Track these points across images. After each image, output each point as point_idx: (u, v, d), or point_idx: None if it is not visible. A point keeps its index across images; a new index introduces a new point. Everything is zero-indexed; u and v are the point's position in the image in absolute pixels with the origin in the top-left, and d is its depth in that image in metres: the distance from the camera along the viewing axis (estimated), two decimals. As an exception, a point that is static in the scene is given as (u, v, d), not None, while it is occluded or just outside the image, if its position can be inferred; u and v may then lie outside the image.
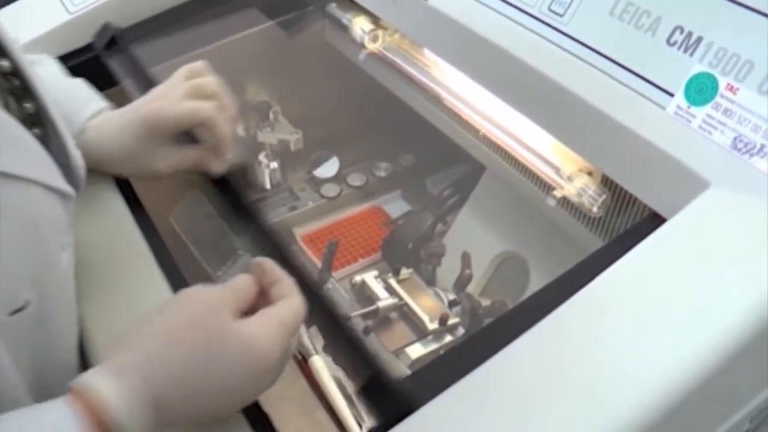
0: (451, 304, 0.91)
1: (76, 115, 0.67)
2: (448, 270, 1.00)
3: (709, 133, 0.56)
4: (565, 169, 0.73)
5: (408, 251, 1.06)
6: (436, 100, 0.88)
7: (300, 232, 1.23)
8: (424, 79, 0.88)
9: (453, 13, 0.76)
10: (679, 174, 0.57)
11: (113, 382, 0.41)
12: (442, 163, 1.29)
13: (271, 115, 1.22)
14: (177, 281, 0.63)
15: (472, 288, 1.02)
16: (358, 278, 0.89)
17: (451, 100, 0.84)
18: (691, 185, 0.56)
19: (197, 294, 0.49)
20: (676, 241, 0.55)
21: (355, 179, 1.29)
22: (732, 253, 0.53)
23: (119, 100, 0.73)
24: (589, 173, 0.72)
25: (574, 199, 0.72)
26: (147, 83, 0.71)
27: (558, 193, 0.72)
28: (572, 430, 0.44)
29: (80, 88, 0.74)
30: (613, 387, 0.47)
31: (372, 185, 1.29)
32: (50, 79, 0.70)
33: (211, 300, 0.48)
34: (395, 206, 1.29)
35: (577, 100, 0.64)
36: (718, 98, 0.56)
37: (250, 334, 0.47)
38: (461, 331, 0.86)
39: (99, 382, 0.41)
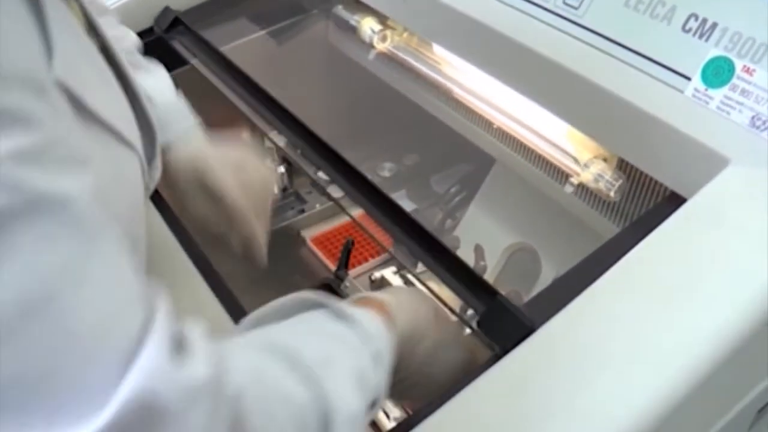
0: (467, 295, 0.92)
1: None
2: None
3: (727, 113, 0.59)
4: (580, 156, 0.76)
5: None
6: (446, 95, 0.90)
7: (309, 234, 1.24)
8: (435, 76, 0.91)
9: (466, 10, 0.79)
10: (699, 153, 0.59)
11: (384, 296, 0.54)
12: (446, 162, 1.31)
13: (277, 119, 1.24)
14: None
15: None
16: (377, 274, 0.91)
17: (463, 94, 0.86)
18: (712, 163, 0.58)
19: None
20: (700, 219, 0.57)
21: (361, 180, 1.30)
22: (755, 228, 0.55)
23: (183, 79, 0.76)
24: (605, 159, 0.75)
25: (591, 185, 0.74)
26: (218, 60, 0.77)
27: (575, 180, 0.74)
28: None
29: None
30: (649, 360, 0.50)
31: (377, 186, 1.31)
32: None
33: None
34: (401, 205, 1.30)
35: (594, 88, 0.66)
36: (734, 80, 0.59)
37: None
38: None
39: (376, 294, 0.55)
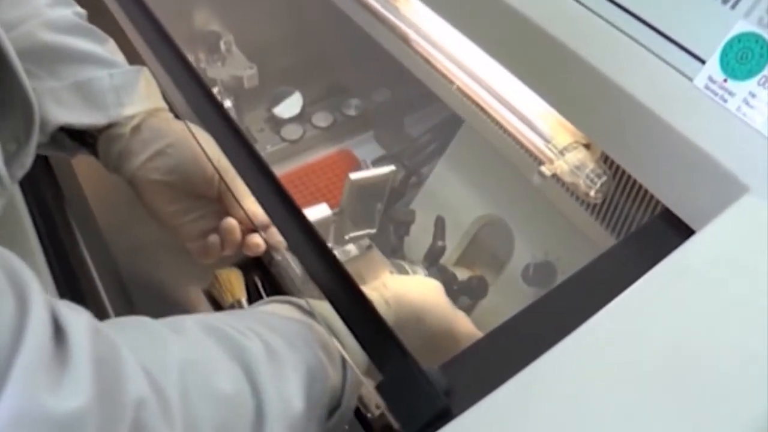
0: (420, 282, 0.77)
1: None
2: (421, 233, 0.86)
3: (752, 119, 0.41)
4: (558, 139, 0.58)
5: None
6: (405, 40, 0.72)
7: (257, 180, 1.08)
8: (394, 19, 0.72)
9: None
10: (708, 171, 0.42)
11: None
12: (424, 99, 1.12)
13: (223, 47, 1.06)
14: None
15: (447, 256, 0.88)
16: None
17: (423, 44, 0.68)
18: (723, 187, 0.42)
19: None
20: (701, 268, 0.41)
21: (321, 119, 1.13)
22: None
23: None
24: (587, 146, 0.58)
25: (567, 179, 0.57)
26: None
27: (547, 170, 0.57)
28: None
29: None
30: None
31: (340, 126, 1.14)
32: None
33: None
34: (367, 149, 1.14)
35: (573, 58, 0.49)
36: (767, 70, 0.41)
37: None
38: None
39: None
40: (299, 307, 0.51)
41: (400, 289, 0.58)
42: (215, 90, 1.07)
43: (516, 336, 0.44)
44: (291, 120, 1.12)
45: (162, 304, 0.83)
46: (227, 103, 1.09)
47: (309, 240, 0.47)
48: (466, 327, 0.62)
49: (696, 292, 0.39)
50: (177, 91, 0.61)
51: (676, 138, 0.44)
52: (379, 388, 0.42)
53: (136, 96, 0.67)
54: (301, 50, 1.13)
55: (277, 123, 1.12)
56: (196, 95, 0.59)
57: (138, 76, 0.67)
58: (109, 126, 0.66)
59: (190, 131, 0.63)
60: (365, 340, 0.43)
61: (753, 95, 0.41)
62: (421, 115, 1.14)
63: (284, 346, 0.44)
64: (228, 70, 1.03)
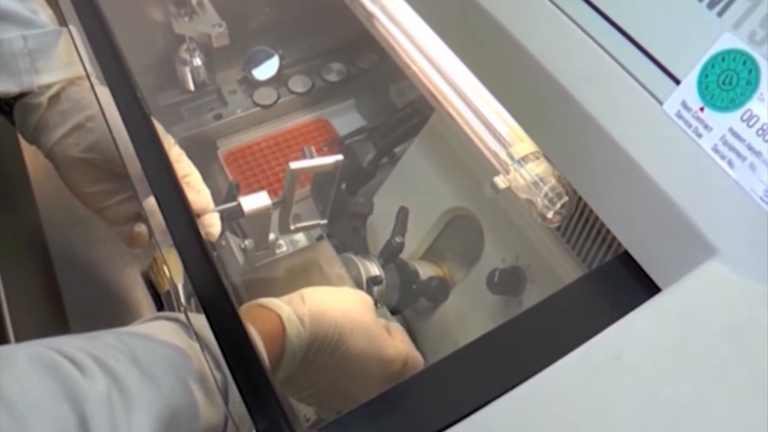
0: (373, 281, 0.70)
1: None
2: (387, 222, 0.78)
3: (730, 163, 0.32)
4: (517, 147, 0.50)
5: (340, 194, 0.84)
6: (369, 17, 0.63)
7: (225, 146, 1.01)
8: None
9: None
10: (671, 222, 0.34)
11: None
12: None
13: (193, 0, 0.96)
14: None
15: (412, 250, 0.81)
16: (248, 242, 0.68)
17: (382, 19, 0.59)
18: (688, 245, 0.33)
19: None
20: (659, 333, 0.33)
21: (298, 83, 1.05)
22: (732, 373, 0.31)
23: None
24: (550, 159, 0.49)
25: (522, 195, 0.49)
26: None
27: (501, 182, 0.49)
28: None
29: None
30: None
31: (319, 92, 1.05)
32: None
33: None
34: (346, 120, 1.05)
35: (531, 63, 0.40)
36: (754, 102, 0.32)
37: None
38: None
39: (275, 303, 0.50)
40: (186, 328, 0.44)
41: (319, 304, 0.51)
42: (183, 47, 0.99)
43: (442, 387, 0.37)
44: (266, 83, 1.03)
45: (93, 286, 0.77)
46: (196, 61, 1.00)
47: (193, 252, 0.40)
48: (398, 350, 0.54)
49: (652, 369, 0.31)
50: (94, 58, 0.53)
51: (637, 174, 0.35)
52: None
53: (54, 62, 0.59)
54: (281, 7, 1.04)
55: (251, 85, 1.04)
56: (109, 65, 0.51)
57: (58, 38, 0.59)
58: (24, 94, 0.58)
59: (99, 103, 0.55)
60: (241, 380, 0.36)
61: (734, 133, 0.32)
62: (408, 85, 1.04)
63: (140, 383, 0.38)
64: (195, 26, 0.94)
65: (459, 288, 0.77)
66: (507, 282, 0.70)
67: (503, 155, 0.50)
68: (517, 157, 0.49)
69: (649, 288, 0.37)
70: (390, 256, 0.73)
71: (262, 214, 0.65)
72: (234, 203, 0.63)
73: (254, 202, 0.64)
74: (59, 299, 0.69)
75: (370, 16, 0.60)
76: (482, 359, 0.38)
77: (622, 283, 0.39)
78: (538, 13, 0.40)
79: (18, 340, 0.64)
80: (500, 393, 0.33)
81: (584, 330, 0.35)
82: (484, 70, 0.45)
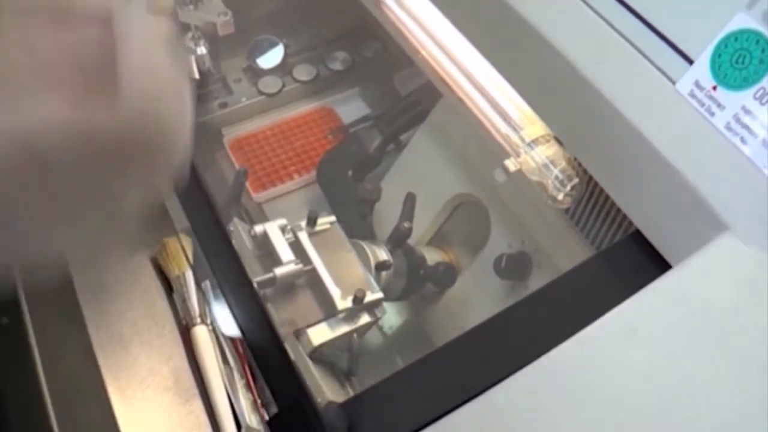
0: (380, 266, 0.70)
1: None
2: (393, 209, 0.79)
3: (742, 140, 0.33)
4: (528, 130, 0.50)
5: (347, 180, 0.84)
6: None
7: (230, 134, 1.01)
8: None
9: None
10: (683, 199, 0.35)
11: None
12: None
13: (198, -13, 0.96)
14: None
15: (420, 234, 0.81)
16: (258, 228, 0.68)
17: (390, 5, 0.59)
18: (700, 222, 0.34)
19: None
20: (672, 309, 0.34)
21: (303, 72, 1.05)
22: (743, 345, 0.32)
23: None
24: (560, 141, 0.49)
25: (533, 177, 0.49)
26: None
27: (512, 164, 0.49)
28: None
29: None
30: None
31: (323, 80, 1.05)
32: None
33: None
34: (351, 108, 1.06)
35: (545, 46, 0.40)
36: (766, 80, 0.32)
37: None
38: (383, 310, 0.66)
39: None
40: None
41: None
42: (188, 35, 0.99)
43: (444, 368, 0.38)
44: (270, 71, 1.03)
45: (103, 271, 0.77)
46: (201, 50, 1.00)
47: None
48: None
49: (662, 342, 0.32)
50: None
51: (650, 153, 0.36)
52: (270, 423, 0.36)
53: None
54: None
55: (255, 73, 1.04)
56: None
57: None
58: None
59: None
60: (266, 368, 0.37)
61: (747, 111, 0.33)
62: (412, 73, 1.05)
63: None
64: (200, 14, 0.94)
65: (465, 273, 0.77)
66: (514, 267, 0.71)
67: (514, 138, 0.50)
68: (528, 140, 0.49)
69: (661, 266, 0.37)
70: (398, 241, 0.73)
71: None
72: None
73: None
74: (71, 286, 0.70)
75: (378, 1, 0.60)
76: (499, 335, 0.38)
77: (634, 261, 0.39)
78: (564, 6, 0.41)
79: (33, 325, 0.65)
80: (517, 368, 0.34)
81: (597, 306, 0.36)
82: (495, 53, 0.46)
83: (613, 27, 0.37)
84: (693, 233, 0.34)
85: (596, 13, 0.38)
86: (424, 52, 0.56)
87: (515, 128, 0.50)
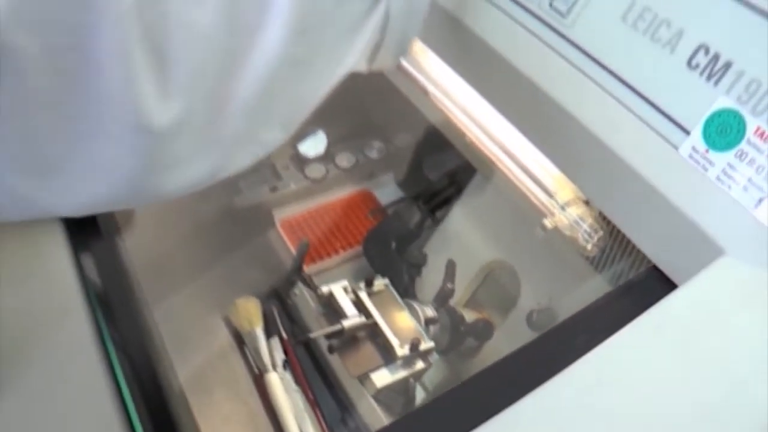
0: (429, 321, 0.81)
1: None
2: (434, 274, 0.90)
3: (729, 187, 0.45)
4: (560, 194, 0.62)
5: (391, 252, 0.96)
6: (424, 91, 0.77)
7: (280, 215, 1.13)
8: (410, 67, 0.77)
9: (447, 4, 0.65)
10: (688, 234, 0.46)
11: None
12: (441, 146, 1.17)
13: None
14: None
15: (457, 297, 0.92)
16: (325, 289, 0.79)
17: (439, 96, 0.73)
18: (702, 249, 0.45)
19: None
20: (678, 320, 0.45)
21: (344, 160, 1.18)
22: (742, 342, 0.42)
23: None
24: (587, 202, 0.62)
25: (566, 233, 0.61)
26: None
27: (549, 223, 0.61)
28: None
29: None
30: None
31: (362, 167, 1.19)
32: None
33: None
34: (387, 191, 1.19)
35: (570, 120, 0.53)
36: (744, 144, 0.45)
37: None
38: (435, 357, 0.76)
39: None
40: None
41: None
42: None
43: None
44: (315, 159, 1.17)
45: (183, 326, 0.88)
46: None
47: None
48: None
49: (672, 343, 0.43)
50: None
51: (662, 201, 0.48)
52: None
53: None
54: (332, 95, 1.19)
55: (301, 161, 1.17)
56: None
57: None
58: None
59: None
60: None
61: (731, 166, 0.45)
62: (438, 159, 1.18)
63: None
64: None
65: (501, 328, 0.88)
66: (544, 319, 0.82)
67: (549, 202, 0.62)
68: (561, 203, 0.61)
69: (669, 289, 0.49)
70: (442, 300, 0.84)
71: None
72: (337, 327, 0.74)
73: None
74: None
75: (425, 89, 0.74)
76: (542, 348, 0.49)
77: (650, 288, 0.50)
78: (580, 86, 0.54)
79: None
80: (563, 366, 0.44)
81: (619, 321, 0.45)
82: (535, 132, 0.58)
83: (629, 110, 0.50)
84: (697, 259, 0.45)
85: (616, 99, 0.51)
86: (470, 135, 0.69)
87: (549, 194, 0.62)
